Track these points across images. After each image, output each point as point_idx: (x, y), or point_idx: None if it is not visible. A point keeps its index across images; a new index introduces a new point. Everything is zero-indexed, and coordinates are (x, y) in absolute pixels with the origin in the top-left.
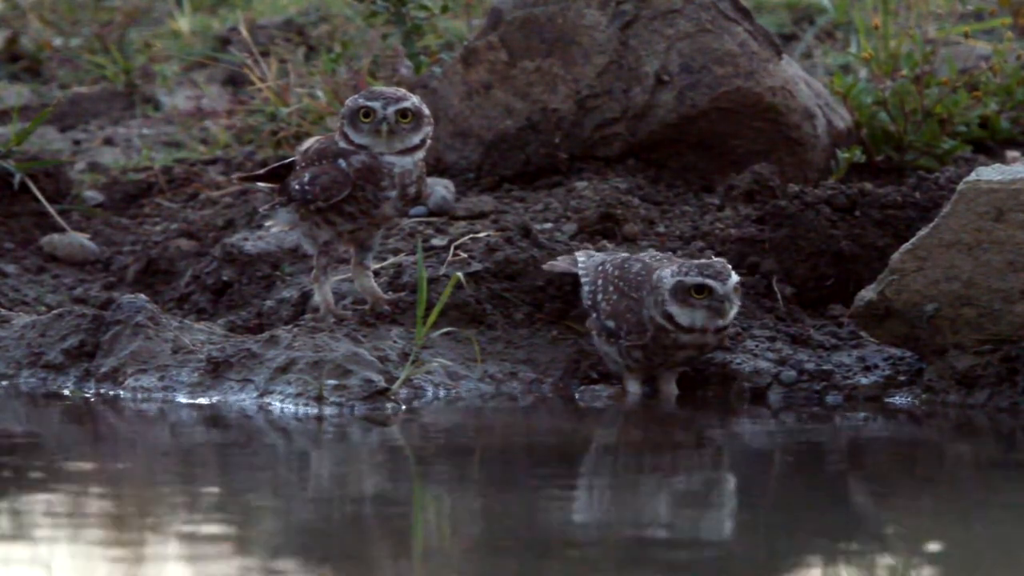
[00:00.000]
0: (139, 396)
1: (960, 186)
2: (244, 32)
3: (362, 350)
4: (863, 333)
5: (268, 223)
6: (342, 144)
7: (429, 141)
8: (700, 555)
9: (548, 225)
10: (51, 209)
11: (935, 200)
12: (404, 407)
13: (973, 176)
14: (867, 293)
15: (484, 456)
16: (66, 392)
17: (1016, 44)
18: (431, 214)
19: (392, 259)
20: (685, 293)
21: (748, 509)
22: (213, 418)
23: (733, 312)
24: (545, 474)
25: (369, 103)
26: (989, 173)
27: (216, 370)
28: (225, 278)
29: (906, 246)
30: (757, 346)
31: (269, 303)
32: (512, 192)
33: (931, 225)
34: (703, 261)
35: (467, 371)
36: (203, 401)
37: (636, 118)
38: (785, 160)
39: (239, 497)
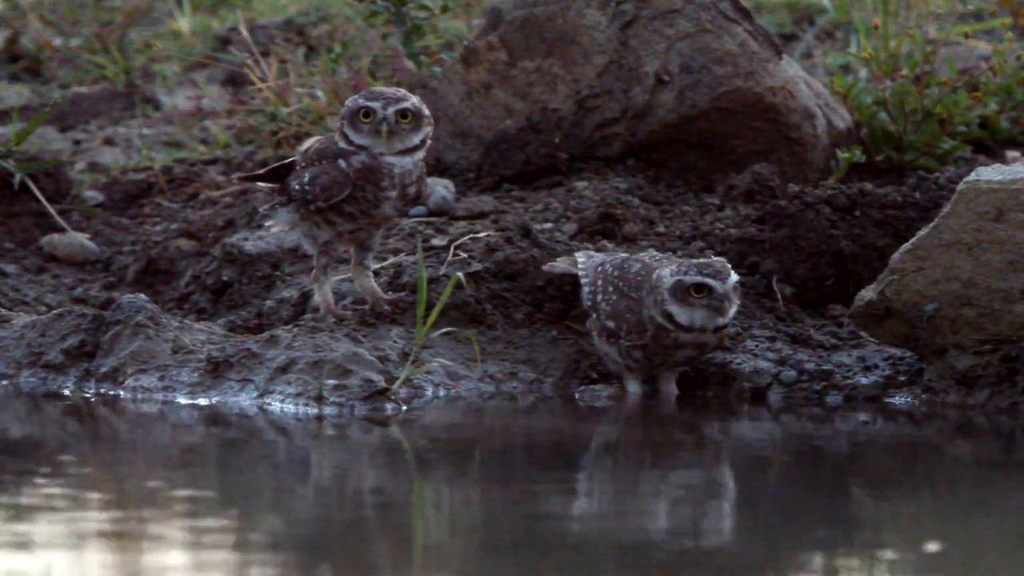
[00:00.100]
0: (139, 396)
1: (960, 186)
2: (244, 32)
3: (362, 350)
4: (863, 333)
5: (268, 223)
6: (342, 144)
7: (429, 141)
8: (700, 555)
9: (548, 225)
10: (51, 209)
11: (935, 200)
12: (404, 407)
13: (973, 176)
14: (867, 293)
15: (484, 456)
16: (66, 392)
17: (1016, 44)
18: (431, 214)
19: (392, 259)
20: (684, 292)
21: (748, 509)
22: (213, 418)
23: (733, 311)
24: (545, 474)
25: (369, 103)
26: (989, 173)
27: (216, 370)
28: (225, 278)
29: (906, 246)
30: (757, 346)
31: (269, 303)
32: (512, 192)
33: (931, 225)
34: (702, 260)
35: (467, 371)
36: (203, 401)
37: (636, 118)
38: (785, 160)
39: (239, 497)
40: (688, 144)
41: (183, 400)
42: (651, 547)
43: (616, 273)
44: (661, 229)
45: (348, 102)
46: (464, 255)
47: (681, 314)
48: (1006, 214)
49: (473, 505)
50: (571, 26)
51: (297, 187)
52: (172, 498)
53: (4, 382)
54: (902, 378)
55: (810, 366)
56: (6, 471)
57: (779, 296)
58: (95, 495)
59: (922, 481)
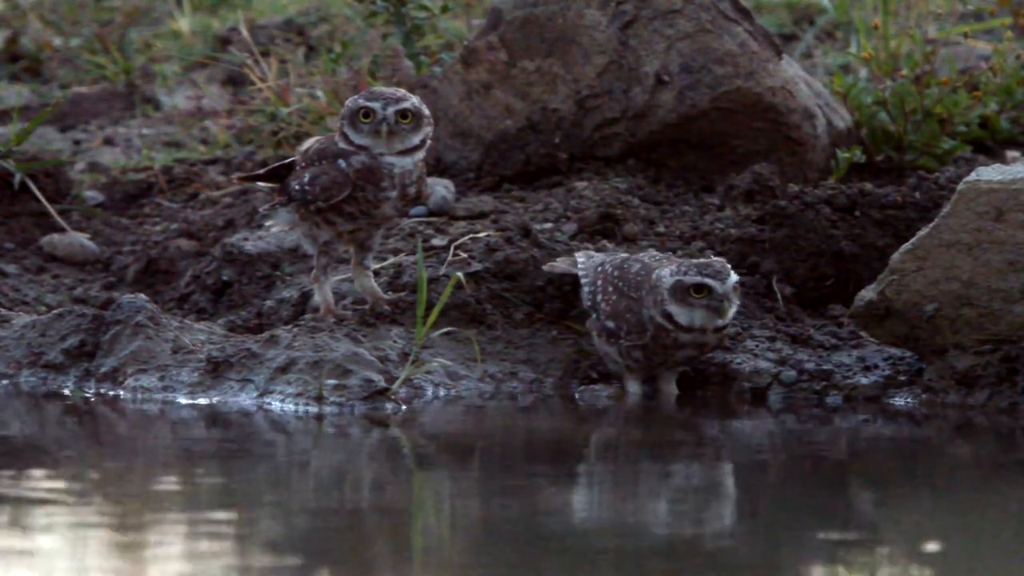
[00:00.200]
0: (139, 396)
1: (960, 186)
2: (244, 32)
3: (362, 350)
4: (863, 333)
5: (268, 223)
6: (342, 144)
7: (429, 141)
8: (699, 554)
9: (548, 225)
10: (51, 209)
11: (935, 200)
12: (404, 407)
13: (973, 176)
14: (867, 293)
15: (484, 455)
16: (66, 392)
17: (1016, 44)
18: (431, 214)
19: (392, 259)
20: (684, 292)
21: (747, 508)
22: (213, 418)
23: (732, 311)
24: (545, 473)
25: (369, 103)
26: (989, 173)
27: (216, 370)
28: (225, 278)
29: (906, 246)
30: (757, 346)
31: (269, 303)
32: (512, 192)
33: (931, 225)
34: (702, 260)
35: (467, 371)
36: (203, 401)
37: (636, 118)
38: (785, 160)
39: (239, 496)
40: (688, 144)
41: (183, 400)
42: (651, 547)
43: (616, 273)
44: (661, 229)
45: (348, 102)
46: (464, 255)
47: (681, 314)
48: (1006, 214)
49: (473, 505)
50: (571, 26)
51: (297, 187)
52: (172, 498)
53: (4, 382)
54: (902, 378)
55: (810, 366)
56: (6, 471)
57: (779, 296)
58: (95, 495)
59: (922, 481)
